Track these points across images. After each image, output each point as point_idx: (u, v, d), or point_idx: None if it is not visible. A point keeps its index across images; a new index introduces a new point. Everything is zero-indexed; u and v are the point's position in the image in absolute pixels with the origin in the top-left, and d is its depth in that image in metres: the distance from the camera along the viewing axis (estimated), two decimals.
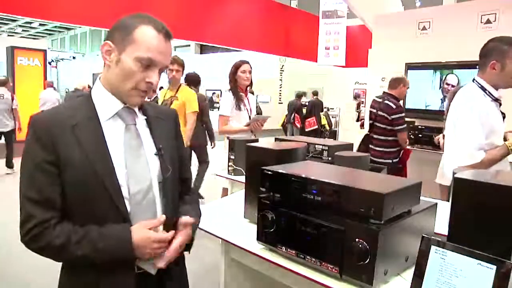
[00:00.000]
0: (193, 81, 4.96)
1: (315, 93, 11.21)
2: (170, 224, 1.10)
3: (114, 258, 1.00)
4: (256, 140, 2.55)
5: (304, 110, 10.87)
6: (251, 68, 3.37)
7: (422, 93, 5.08)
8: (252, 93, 3.51)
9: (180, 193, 1.24)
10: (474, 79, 2.10)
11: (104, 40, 1.07)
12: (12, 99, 6.78)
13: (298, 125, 10.69)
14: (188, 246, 1.17)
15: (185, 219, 1.14)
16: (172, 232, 1.07)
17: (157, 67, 1.04)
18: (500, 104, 2.08)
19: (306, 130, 10.42)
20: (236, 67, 3.32)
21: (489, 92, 2.01)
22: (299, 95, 11.08)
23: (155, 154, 1.11)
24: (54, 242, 0.97)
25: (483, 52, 2.03)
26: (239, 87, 3.34)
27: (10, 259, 3.22)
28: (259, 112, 7.34)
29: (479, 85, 2.04)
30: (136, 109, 1.13)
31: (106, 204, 1.01)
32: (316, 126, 10.53)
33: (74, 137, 1.01)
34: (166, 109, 1.33)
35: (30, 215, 0.98)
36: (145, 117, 1.14)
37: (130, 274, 1.04)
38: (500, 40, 1.97)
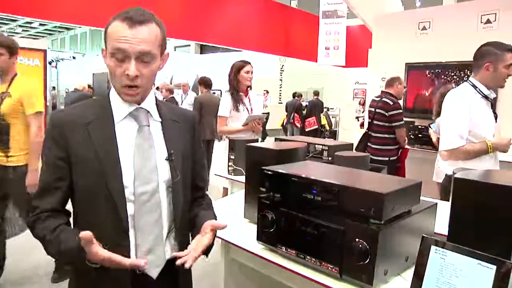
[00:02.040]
0: (205, 83, 5.64)
1: (316, 93, 11.21)
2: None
3: (74, 263, 1.02)
4: (256, 140, 2.55)
5: (304, 110, 10.90)
6: (253, 68, 3.39)
7: (422, 93, 5.09)
8: (251, 88, 3.49)
9: (195, 199, 1.24)
10: (467, 80, 2.28)
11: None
12: None
13: (298, 125, 10.71)
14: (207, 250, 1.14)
15: (214, 223, 1.10)
16: (121, 259, 0.94)
17: (130, 57, 0.99)
18: (492, 104, 2.25)
19: (306, 130, 10.44)
20: (239, 68, 3.32)
21: (479, 89, 2.20)
22: (299, 95, 11.12)
23: (165, 159, 1.10)
24: (38, 234, 1.02)
25: (478, 55, 2.22)
26: (240, 87, 3.35)
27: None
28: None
29: (471, 84, 2.23)
30: (153, 110, 1.12)
31: (106, 204, 1.02)
32: (316, 126, 10.54)
33: (86, 135, 1.03)
34: (185, 112, 1.29)
35: (34, 205, 1.04)
36: (160, 120, 1.13)
37: (128, 276, 1.04)
38: (493, 45, 2.17)
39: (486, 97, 2.20)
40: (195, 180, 1.24)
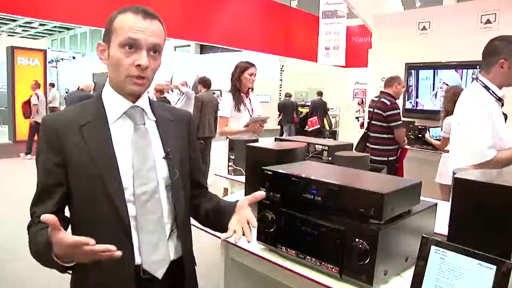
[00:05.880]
0: (204, 83, 6.09)
1: (320, 94, 11.22)
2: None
3: (48, 263, 0.93)
4: (256, 140, 2.55)
5: (303, 110, 10.93)
6: (256, 71, 3.40)
7: (422, 93, 5.09)
8: (252, 89, 3.50)
9: (200, 194, 1.25)
10: (477, 79, 2.09)
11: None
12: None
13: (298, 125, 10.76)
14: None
15: (243, 200, 1.11)
16: (87, 239, 0.83)
17: (142, 48, 1.00)
18: (503, 105, 2.08)
19: (308, 129, 10.45)
20: (244, 69, 3.32)
21: (492, 91, 2.01)
22: (288, 95, 11.26)
23: (163, 157, 1.09)
24: (29, 238, 1.01)
25: (489, 51, 2.02)
26: (241, 88, 3.35)
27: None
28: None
29: (483, 85, 2.03)
30: (148, 109, 1.11)
31: (107, 207, 1.00)
32: (318, 126, 10.53)
33: (81, 138, 1.01)
34: (179, 111, 1.29)
35: (32, 211, 1.03)
36: (155, 119, 1.13)
37: (133, 279, 1.03)
38: (506, 40, 1.97)
39: (499, 99, 2.03)
40: (197, 177, 1.24)
